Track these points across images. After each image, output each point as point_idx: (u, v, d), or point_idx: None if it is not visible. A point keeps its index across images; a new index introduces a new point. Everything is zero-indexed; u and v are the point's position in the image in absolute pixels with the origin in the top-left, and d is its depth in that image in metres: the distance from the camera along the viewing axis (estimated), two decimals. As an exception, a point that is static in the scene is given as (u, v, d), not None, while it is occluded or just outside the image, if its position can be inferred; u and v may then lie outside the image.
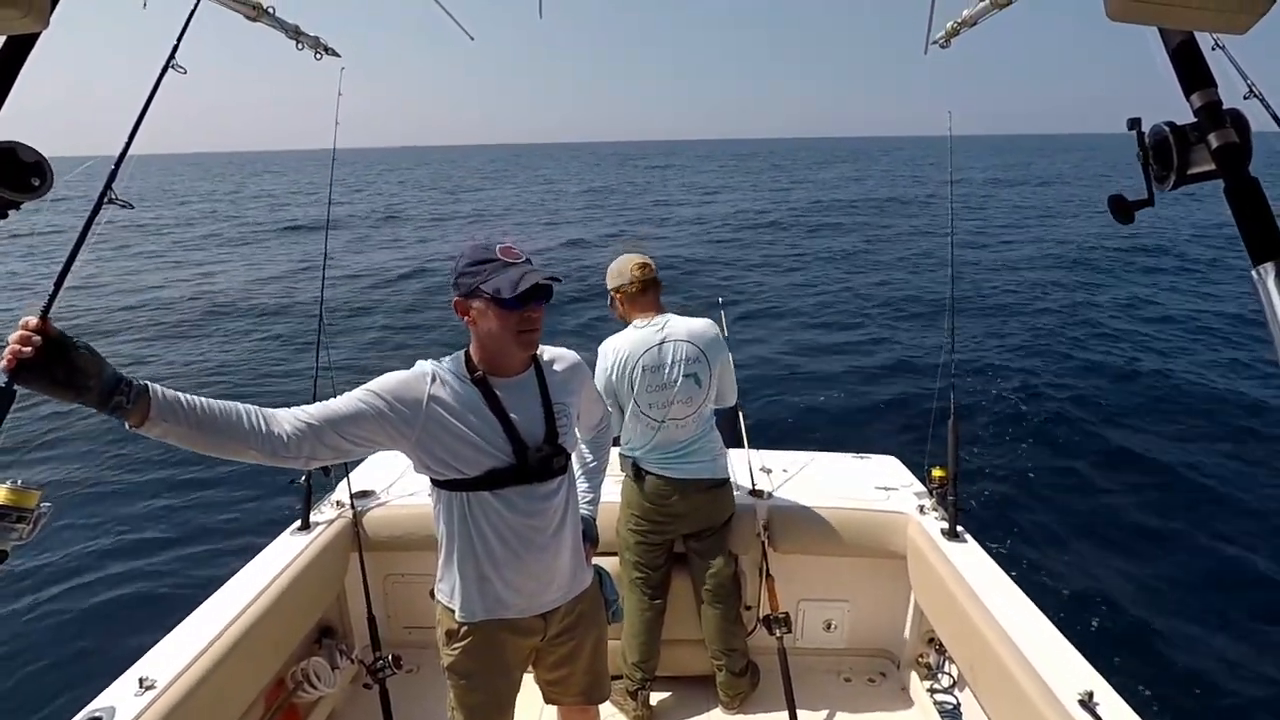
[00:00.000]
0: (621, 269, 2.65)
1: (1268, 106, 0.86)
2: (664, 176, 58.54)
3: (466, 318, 1.65)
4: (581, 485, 2.06)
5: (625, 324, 2.67)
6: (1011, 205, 31.29)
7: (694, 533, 2.75)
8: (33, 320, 1.17)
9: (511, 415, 1.67)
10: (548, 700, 2.06)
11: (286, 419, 1.49)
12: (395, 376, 1.64)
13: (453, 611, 1.78)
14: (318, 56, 1.96)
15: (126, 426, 1.30)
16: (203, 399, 1.39)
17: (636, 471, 2.70)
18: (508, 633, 1.80)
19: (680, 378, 2.55)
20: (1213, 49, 0.87)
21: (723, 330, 2.75)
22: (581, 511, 1.98)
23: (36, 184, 1.05)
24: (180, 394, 1.35)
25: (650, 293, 2.64)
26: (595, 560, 2.05)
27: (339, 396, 1.59)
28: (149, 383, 1.31)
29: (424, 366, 1.68)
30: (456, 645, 1.79)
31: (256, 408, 1.47)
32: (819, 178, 52.93)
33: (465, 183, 57.85)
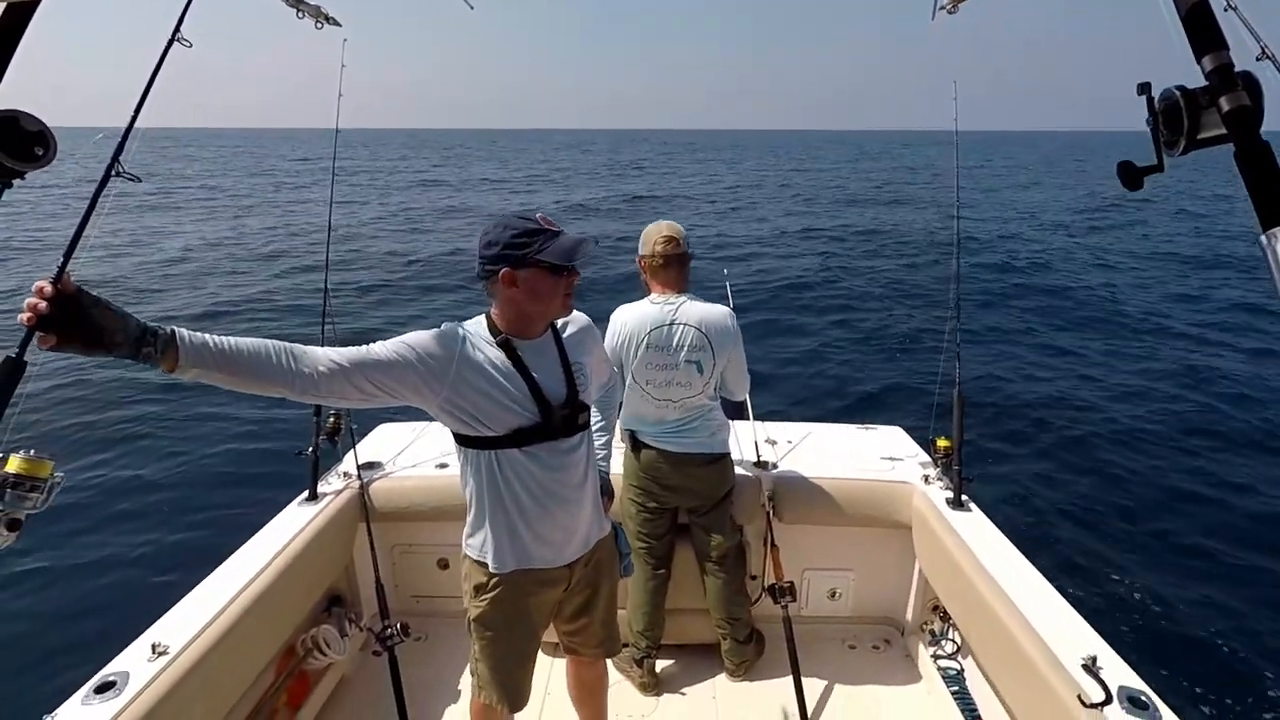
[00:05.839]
0: (648, 238, 2.57)
1: (1281, 69, 0.85)
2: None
3: (512, 287, 1.67)
4: (595, 441, 2.14)
5: (648, 294, 2.61)
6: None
7: (694, 506, 2.76)
8: (47, 286, 1.17)
9: (535, 375, 1.73)
10: (568, 650, 2.16)
11: (320, 358, 1.53)
12: (429, 334, 1.67)
13: (483, 565, 1.84)
14: (318, 26, 1.94)
15: (161, 370, 1.35)
16: (232, 340, 1.42)
17: (634, 443, 2.71)
18: (535, 583, 1.86)
19: (682, 363, 2.52)
20: (1225, 10, 0.85)
21: (727, 302, 2.72)
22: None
23: (40, 153, 1.05)
24: (209, 336, 1.39)
25: (672, 269, 2.54)
26: None
27: (373, 344, 1.64)
28: (176, 329, 1.34)
29: (454, 327, 1.73)
30: (486, 596, 1.85)
31: (287, 345, 1.50)
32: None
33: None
